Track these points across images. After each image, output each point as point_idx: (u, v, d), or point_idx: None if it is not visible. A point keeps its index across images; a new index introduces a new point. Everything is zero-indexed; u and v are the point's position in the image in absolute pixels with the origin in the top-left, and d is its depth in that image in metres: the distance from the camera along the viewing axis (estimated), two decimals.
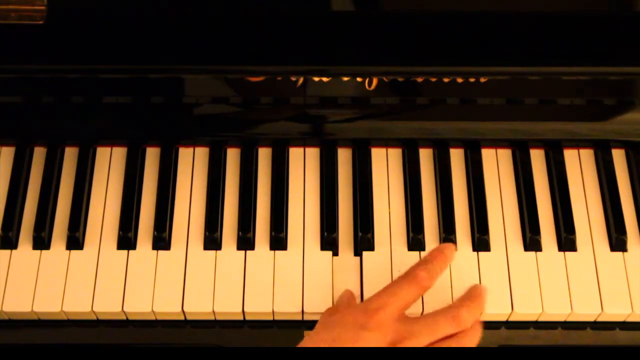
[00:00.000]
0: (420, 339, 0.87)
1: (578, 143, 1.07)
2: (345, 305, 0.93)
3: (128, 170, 1.04)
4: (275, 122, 1.05)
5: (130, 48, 0.96)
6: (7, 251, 1.00)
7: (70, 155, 1.06)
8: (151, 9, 0.97)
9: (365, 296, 0.97)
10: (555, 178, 1.05)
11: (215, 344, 0.99)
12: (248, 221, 1.01)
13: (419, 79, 1.01)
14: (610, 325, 1.00)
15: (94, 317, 0.98)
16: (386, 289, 0.90)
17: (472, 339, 0.90)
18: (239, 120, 1.06)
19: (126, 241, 1.00)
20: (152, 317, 0.99)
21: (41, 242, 1.00)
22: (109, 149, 1.06)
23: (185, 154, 1.06)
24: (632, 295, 0.98)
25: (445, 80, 1.01)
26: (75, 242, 1.00)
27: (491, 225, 1.02)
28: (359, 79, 1.01)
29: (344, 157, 1.06)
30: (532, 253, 1.01)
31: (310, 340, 0.87)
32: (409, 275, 0.91)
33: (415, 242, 1.01)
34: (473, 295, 0.93)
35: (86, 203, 1.03)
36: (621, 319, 0.99)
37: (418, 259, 1.00)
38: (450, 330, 0.89)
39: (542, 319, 0.99)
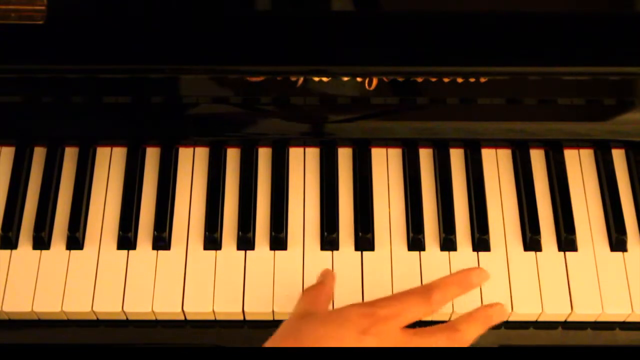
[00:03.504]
0: None
1: (578, 143, 1.07)
2: (326, 298, 0.90)
3: (128, 170, 1.04)
4: (275, 122, 1.05)
5: (130, 48, 0.96)
6: (7, 251, 1.00)
7: (70, 155, 1.06)
8: (151, 9, 0.97)
9: (366, 297, 0.97)
10: (555, 178, 1.05)
11: (215, 344, 0.99)
12: (248, 221, 1.01)
13: (419, 79, 1.01)
14: (610, 325, 1.00)
15: (94, 317, 0.98)
16: (398, 298, 0.84)
17: None
18: (239, 120, 1.06)
19: (126, 241, 1.00)
20: (152, 317, 0.99)
21: (41, 242, 1.00)
22: (109, 149, 1.06)
23: (185, 154, 1.06)
24: (632, 295, 0.98)
25: (445, 80, 1.01)
26: (75, 242, 1.00)
27: (491, 225, 1.02)
28: (359, 79, 1.01)
29: (344, 157, 1.06)
30: (532, 253, 1.01)
31: (306, 332, 0.82)
32: (425, 292, 0.85)
33: (415, 242, 1.01)
34: (476, 316, 0.87)
35: (86, 203, 1.03)
36: (621, 319, 0.99)
37: (418, 259, 1.00)
38: (447, 344, 0.84)
39: (542, 319, 0.99)
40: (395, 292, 0.97)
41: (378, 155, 1.06)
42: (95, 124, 1.06)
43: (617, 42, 0.97)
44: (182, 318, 0.99)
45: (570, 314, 0.98)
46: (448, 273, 0.99)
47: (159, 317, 0.99)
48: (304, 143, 1.07)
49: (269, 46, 0.96)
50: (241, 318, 0.99)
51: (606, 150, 1.06)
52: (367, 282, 0.98)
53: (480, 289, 0.98)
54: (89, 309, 0.97)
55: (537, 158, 1.07)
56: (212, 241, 1.00)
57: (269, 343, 0.82)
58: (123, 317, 0.99)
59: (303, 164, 1.06)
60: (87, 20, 0.96)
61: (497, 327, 0.99)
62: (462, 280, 0.87)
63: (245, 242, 1.00)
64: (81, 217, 1.01)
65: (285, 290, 0.98)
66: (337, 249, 1.01)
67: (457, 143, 1.06)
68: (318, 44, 0.96)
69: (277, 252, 1.00)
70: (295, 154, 1.06)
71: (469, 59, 0.96)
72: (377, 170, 1.05)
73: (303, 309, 0.87)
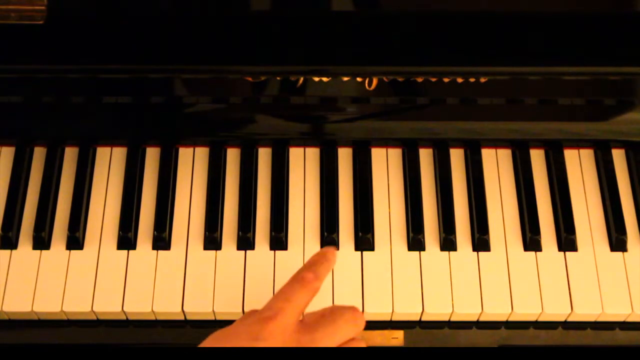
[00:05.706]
0: (324, 345, 0.82)
1: (578, 143, 1.07)
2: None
3: (128, 170, 1.04)
4: (275, 122, 1.06)
5: (130, 48, 0.96)
6: (7, 251, 1.00)
7: (70, 155, 1.06)
8: (151, 9, 0.97)
9: (366, 297, 0.97)
10: (555, 178, 1.05)
11: None
12: (248, 221, 1.01)
13: (419, 79, 1.01)
14: (610, 325, 1.00)
15: (94, 317, 0.98)
16: (278, 294, 0.84)
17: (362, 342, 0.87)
18: (239, 120, 1.06)
19: (126, 241, 1.00)
20: (152, 317, 0.99)
21: (41, 242, 1.00)
22: (109, 149, 1.06)
23: (185, 154, 1.06)
24: (632, 295, 0.98)
25: (445, 80, 1.01)
26: (75, 242, 1.00)
27: (491, 225, 1.02)
28: (359, 79, 1.01)
29: (344, 157, 1.06)
30: (532, 253, 1.01)
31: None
32: (297, 279, 0.85)
33: (415, 242, 1.01)
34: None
35: (86, 203, 1.03)
36: (621, 319, 0.99)
37: (418, 259, 1.00)
38: (351, 333, 0.84)
39: (542, 319, 0.99)
40: (394, 291, 0.97)
41: (378, 155, 1.06)
42: (95, 124, 1.06)
43: (617, 42, 0.97)
44: (182, 318, 0.99)
45: (570, 314, 0.98)
46: (448, 273, 0.99)
47: (159, 317, 0.99)
48: (304, 143, 1.07)
49: (269, 46, 0.96)
50: None
51: (606, 150, 1.06)
52: (367, 282, 0.98)
53: (481, 288, 0.98)
54: (89, 309, 0.97)
55: (537, 158, 1.07)
56: (212, 241, 1.00)
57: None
58: (123, 317, 0.99)
59: (303, 164, 1.06)
60: (87, 20, 0.96)
61: (497, 327, 0.99)
62: (324, 254, 0.87)
63: (245, 242, 1.00)
64: (81, 217, 1.01)
65: None
66: (337, 249, 1.00)
67: (457, 143, 1.06)
68: (318, 44, 0.96)
69: (277, 252, 1.00)
70: (295, 154, 1.06)
71: (469, 59, 0.96)
72: (377, 170, 1.05)
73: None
